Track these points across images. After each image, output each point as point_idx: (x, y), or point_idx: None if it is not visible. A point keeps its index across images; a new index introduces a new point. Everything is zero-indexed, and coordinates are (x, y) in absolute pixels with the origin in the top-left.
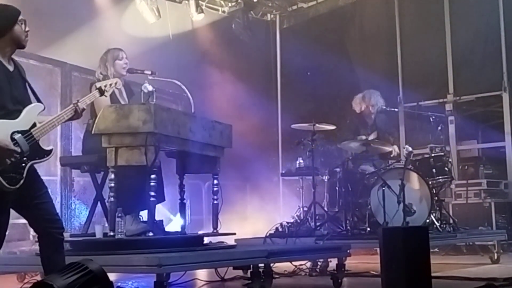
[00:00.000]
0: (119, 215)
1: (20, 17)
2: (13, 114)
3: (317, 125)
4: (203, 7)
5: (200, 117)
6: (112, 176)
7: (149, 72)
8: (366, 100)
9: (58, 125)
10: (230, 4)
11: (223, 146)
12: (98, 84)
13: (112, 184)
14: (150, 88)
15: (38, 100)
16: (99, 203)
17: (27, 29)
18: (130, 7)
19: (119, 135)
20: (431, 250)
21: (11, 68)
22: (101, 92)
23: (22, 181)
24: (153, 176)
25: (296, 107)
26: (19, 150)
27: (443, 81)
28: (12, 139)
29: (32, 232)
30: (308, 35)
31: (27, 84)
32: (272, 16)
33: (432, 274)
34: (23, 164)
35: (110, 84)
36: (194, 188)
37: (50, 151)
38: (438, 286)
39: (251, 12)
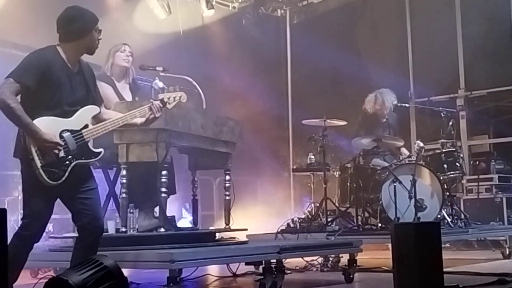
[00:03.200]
0: (131, 211)
1: (97, 26)
2: (68, 114)
3: (328, 120)
4: (214, 3)
5: (211, 113)
6: (124, 172)
7: (161, 69)
8: (378, 102)
9: (111, 129)
10: (240, 0)
11: (234, 142)
12: (161, 96)
13: (124, 180)
14: (160, 84)
15: (100, 102)
16: (111, 199)
17: (100, 37)
18: (141, 4)
19: (130, 132)
20: (443, 246)
21: (75, 69)
22: (163, 104)
23: (64, 178)
24: (164, 172)
25: (306, 103)
26: (64, 146)
27: (454, 76)
28: (61, 137)
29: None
30: (319, 31)
31: (91, 85)
32: (282, 11)
33: (444, 269)
34: (67, 162)
35: (174, 97)
36: (205, 184)
37: (99, 153)
38: (450, 281)
39: (261, 7)
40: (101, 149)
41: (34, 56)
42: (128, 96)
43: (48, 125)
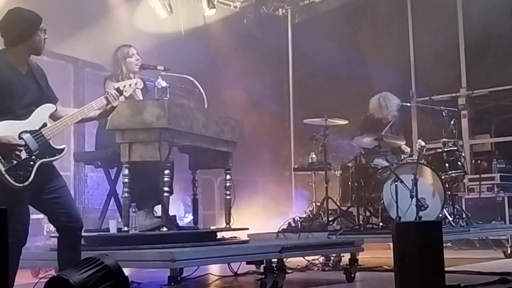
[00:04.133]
0: (133, 210)
1: (41, 26)
2: (24, 116)
3: (329, 119)
4: (215, 2)
5: (213, 112)
6: (126, 171)
7: (162, 68)
8: (383, 107)
9: (71, 125)
10: None
11: (235, 141)
12: (116, 85)
13: (126, 180)
14: (163, 84)
15: (55, 100)
16: (112, 199)
17: (45, 36)
18: (142, 3)
19: (133, 131)
20: (444, 245)
21: (24, 71)
22: (120, 92)
23: (30, 179)
24: (166, 171)
25: (308, 102)
26: (25, 146)
27: (456, 75)
28: (21, 138)
29: (46, 227)
30: (320, 30)
31: (43, 85)
32: (284, 10)
33: (445, 269)
34: (32, 163)
35: (130, 85)
36: (206, 183)
37: (62, 150)
38: (451, 280)
39: (263, 7)
40: (64, 146)
41: None
42: (138, 98)
43: (5, 129)
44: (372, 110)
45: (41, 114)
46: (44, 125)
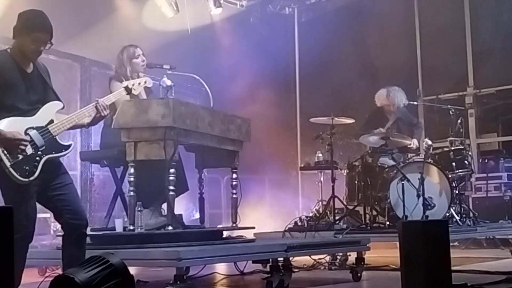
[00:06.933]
0: (139, 209)
1: (39, 34)
2: (29, 113)
3: (335, 118)
4: (221, 1)
5: (219, 111)
6: (132, 170)
7: (168, 67)
8: (389, 98)
9: (78, 122)
10: None
11: (241, 140)
12: (125, 83)
13: (132, 179)
14: (168, 82)
15: (58, 100)
16: (119, 197)
17: (40, 48)
18: (148, 2)
19: (138, 130)
20: (451, 244)
21: (29, 69)
22: (128, 90)
23: (36, 174)
24: (172, 170)
25: (314, 101)
26: (31, 141)
27: (462, 74)
28: (26, 134)
29: (52, 226)
30: (327, 28)
31: (49, 84)
32: (290, 9)
33: (452, 268)
34: (38, 158)
35: (139, 83)
36: (213, 182)
37: (69, 146)
38: (458, 280)
39: (269, 5)
40: (71, 142)
41: None
42: (144, 97)
43: (11, 125)
44: (378, 101)
45: (47, 111)
46: (51, 121)
